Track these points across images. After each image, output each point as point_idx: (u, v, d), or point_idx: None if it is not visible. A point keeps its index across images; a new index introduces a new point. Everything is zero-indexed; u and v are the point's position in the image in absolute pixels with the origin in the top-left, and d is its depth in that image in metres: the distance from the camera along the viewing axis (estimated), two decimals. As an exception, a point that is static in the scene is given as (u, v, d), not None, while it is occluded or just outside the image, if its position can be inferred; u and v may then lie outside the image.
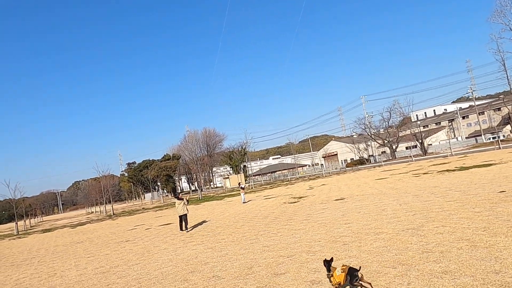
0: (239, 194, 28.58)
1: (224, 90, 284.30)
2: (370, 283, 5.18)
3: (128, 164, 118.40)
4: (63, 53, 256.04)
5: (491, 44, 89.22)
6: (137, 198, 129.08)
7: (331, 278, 5.34)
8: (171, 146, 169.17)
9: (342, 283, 5.12)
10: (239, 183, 27.87)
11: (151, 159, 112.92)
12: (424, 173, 23.76)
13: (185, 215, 15.83)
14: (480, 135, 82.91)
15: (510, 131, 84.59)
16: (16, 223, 37.29)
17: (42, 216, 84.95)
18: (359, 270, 5.06)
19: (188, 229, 15.45)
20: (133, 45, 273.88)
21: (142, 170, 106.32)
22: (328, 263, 5.48)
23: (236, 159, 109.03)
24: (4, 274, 12.33)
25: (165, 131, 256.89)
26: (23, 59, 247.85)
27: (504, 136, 79.99)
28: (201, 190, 69.13)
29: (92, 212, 65.90)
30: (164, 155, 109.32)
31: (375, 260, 6.49)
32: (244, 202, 25.72)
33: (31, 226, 48.82)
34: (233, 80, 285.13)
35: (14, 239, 30.09)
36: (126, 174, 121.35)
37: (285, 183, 49.47)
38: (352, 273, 5.04)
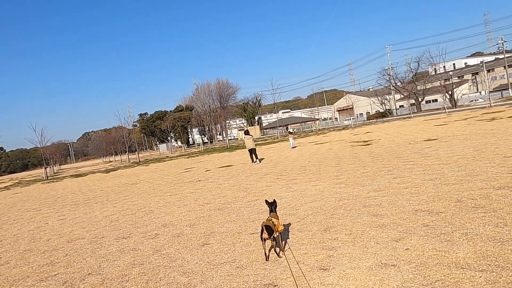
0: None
1: (235, 42, 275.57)
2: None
3: (140, 115, 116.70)
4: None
5: None
6: (148, 149, 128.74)
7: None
8: (182, 97, 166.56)
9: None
10: (287, 127, 25.94)
11: (163, 110, 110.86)
12: (489, 119, 21.76)
13: (254, 149, 17.51)
14: (507, 89, 79.67)
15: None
16: (45, 168, 36.26)
17: (59, 165, 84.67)
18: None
19: (259, 161, 17.22)
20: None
21: (155, 121, 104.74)
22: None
23: (251, 111, 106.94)
24: (78, 211, 10.91)
25: (175, 83, 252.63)
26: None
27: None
28: (227, 139, 67.54)
29: (111, 161, 65.02)
30: (177, 106, 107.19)
31: None
32: (293, 147, 24.15)
33: (54, 173, 48.09)
34: (242, 31, 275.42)
35: (48, 182, 29.04)
36: (138, 125, 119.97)
37: (313, 134, 47.61)
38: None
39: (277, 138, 50.30)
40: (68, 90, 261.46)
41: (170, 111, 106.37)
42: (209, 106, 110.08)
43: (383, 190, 7.10)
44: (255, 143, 18.58)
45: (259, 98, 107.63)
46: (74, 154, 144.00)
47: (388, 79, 75.58)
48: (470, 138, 13.44)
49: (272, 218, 4.68)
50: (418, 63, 69.23)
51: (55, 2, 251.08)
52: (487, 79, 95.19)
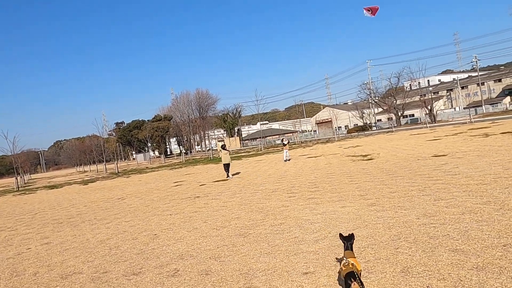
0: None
1: (213, 52, 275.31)
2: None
3: (117, 123, 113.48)
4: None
5: None
6: (124, 159, 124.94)
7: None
8: (160, 107, 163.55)
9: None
10: (282, 139, 25.11)
11: (141, 119, 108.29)
12: (482, 135, 21.58)
13: (229, 164, 17.70)
14: (480, 106, 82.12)
15: (509, 102, 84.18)
16: (16, 178, 33.82)
17: (30, 174, 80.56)
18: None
19: (231, 176, 17.33)
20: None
21: (132, 130, 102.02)
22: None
23: (230, 122, 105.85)
24: (64, 233, 9.49)
25: (152, 92, 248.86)
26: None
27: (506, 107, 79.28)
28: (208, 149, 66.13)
29: (86, 171, 62.21)
30: (155, 116, 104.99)
31: None
32: (286, 160, 23.22)
33: (24, 183, 45.27)
34: (223, 42, 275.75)
35: (20, 194, 26.87)
36: (114, 134, 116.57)
37: (298, 146, 46.97)
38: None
39: (261, 149, 49.39)
40: (40, 96, 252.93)
41: (148, 120, 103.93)
42: (188, 116, 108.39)
43: (435, 216, 6.18)
44: (231, 157, 19.18)
45: (239, 109, 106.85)
46: (45, 163, 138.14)
47: (368, 93, 76.47)
48: (485, 154, 12.86)
49: (350, 259, 3.66)
50: (398, 78, 70.44)
51: (26, 10, 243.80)
52: (461, 95, 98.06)
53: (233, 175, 17.97)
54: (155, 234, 7.90)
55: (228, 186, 14.53)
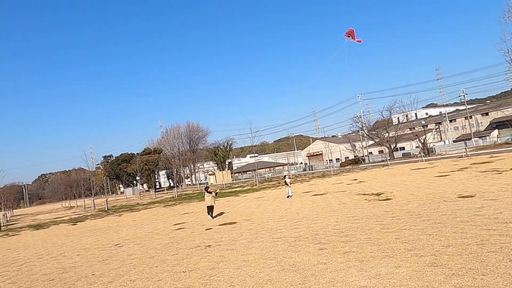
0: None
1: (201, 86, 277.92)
2: None
3: (105, 157, 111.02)
4: (27, 40, 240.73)
5: (501, 45, 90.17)
6: (111, 193, 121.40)
7: None
8: (150, 140, 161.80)
9: None
10: (284, 176, 24.09)
11: (129, 152, 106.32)
12: (491, 170, 20.84)
13: (212, 206, 17.95)
14: (470, 139, 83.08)
15: (497, 136, 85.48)
16: (-2, 217, 31.58)
17: (12, 210, 77.04)
18: None
19: (211, 217, 17.52)
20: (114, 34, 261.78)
21: (121, 164, 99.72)
22: None
23: (221, 155, 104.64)
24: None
25: (141, 125, 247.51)
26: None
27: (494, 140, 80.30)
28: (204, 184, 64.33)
29: (72, 207, 59.60)
30: (145, 149, 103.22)
31: None
32: (288, 196, 22.13)
33: (7, 221, 42.71)
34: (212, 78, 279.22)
35: (2, 236, 24.80)
36: (101, 168, 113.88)
37: (296, 181, 45.78)
38: None
39: (256, 184, 47.97)
40: (25, 129, 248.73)
41: (137, 153, 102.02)
42: (179, 149, 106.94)
43: (531, 285, 5.04)
44: (216, 199, 19.50)
45: (231, 142, 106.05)
46: (28, 197, 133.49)
47: (361, 126, 76.72)
48: (518, 196, 11.91)
49: None
50: (390, 112, 70.93)
51: (15, 44, 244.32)
52: (449, 129, 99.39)
53: (214, 217, 17.85)
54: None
55: (239, 231, 13.17)
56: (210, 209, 17.90)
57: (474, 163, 29.27)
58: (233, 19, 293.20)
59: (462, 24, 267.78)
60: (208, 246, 11.27)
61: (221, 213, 19.37)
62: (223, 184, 62.68)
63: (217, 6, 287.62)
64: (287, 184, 22.76)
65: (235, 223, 15.39)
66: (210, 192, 18.38)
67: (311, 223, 12.59)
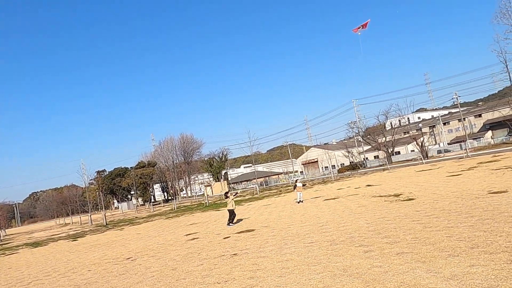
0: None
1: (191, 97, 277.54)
2: None
3: (98, 172, 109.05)
4: (16, 57, 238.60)
5: (494, 46, 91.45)
6: (104, 208, 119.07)
7: None
8: (143, 153, 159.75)
9: None
10: (296, 180, 23.38)
11: (123, 166, 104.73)
12: (505, 168, 20.37)
13: (233, 211, 17.44)
14: (464, 141, 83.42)
15: (491, 137, 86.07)
16: (-7, 237, 30.18)
17: (5, 230, 74.78)
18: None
19: (233, 224, 17.16)
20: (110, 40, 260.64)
21: (115, 178, 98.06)
22: None
23: (217, 166, 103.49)
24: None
25: (133, 139, 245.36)
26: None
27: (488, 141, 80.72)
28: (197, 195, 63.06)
29: (67, 223, 57.91)
30: (139, 162, 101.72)
31: None
32: (299, 202, 21.44)
33: (1, 240, 41.13)
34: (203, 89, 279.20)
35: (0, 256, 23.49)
36: (94, 183, 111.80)
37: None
38: None
39: (257, 193, 47.04)
40: (15, 147, 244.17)
41: (131, 167, 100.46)
42: (173, 162, 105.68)
43: None
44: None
45: (226, 153, 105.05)
46: (19, 216, 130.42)
47: (357, 131, 76.52)
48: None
49: None
50: (386, 116, 70.87)
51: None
52: (444, 131, 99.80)
53: (235, 222, 17.60)
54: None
55: (262, 238, 12.33)
56: (230, 213, 17.37)
57: (480, 163, 28.87)
58: (226, 33, 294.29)
59: (449, 32, 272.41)
60: (234, 254, 10.42)
61: (239, 220, 18.45)
62: (238, 190, 61.68)
63: (212, 19, 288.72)
64: (298, 189, 22.00)
65: (253, 230, 14.53)
66: (228, 197, 17.99)
67: (339, 226, 11.83)
